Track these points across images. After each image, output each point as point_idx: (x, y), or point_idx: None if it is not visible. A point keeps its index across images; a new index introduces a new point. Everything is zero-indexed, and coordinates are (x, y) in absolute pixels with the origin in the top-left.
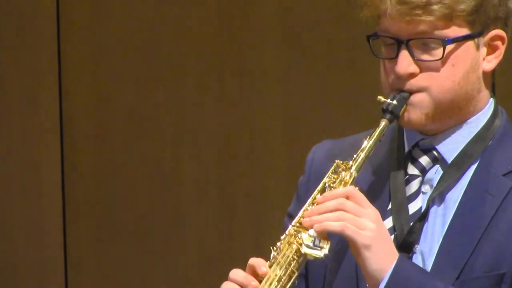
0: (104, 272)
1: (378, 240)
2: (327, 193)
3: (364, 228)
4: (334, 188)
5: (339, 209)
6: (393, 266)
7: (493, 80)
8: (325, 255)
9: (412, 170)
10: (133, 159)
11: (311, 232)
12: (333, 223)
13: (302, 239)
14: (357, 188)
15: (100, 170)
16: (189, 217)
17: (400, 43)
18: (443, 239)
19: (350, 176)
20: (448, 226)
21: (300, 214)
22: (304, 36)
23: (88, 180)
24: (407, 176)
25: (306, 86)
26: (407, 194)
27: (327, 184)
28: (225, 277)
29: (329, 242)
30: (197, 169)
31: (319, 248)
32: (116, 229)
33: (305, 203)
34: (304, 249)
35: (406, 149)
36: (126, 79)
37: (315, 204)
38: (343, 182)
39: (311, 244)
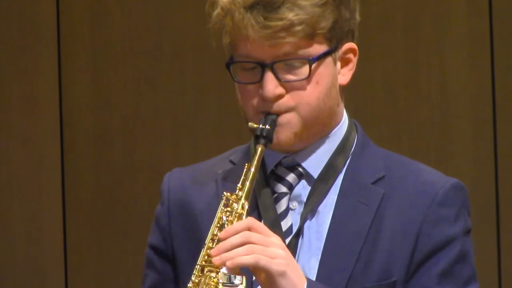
0: (104, 272)
1: (290, 265)
2: (229, 228)
3: (276, 256)
4: (231, 221)
5: (246, 242)
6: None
7: (493, 80)
8: None
9: (279, 188)
10: (133, 159)
11: (224, 269)
12: (245, 257)
13: (217, 277)
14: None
15: (100, 170)
16: None
17: (264, 66)
18: (323, 252)
19: (242, 207)
20: (326, 239)
21: (203, 252)
22: None
23: (88, 180)
24: (276, 195)
25: None
26: (278, 212)
27: (224, 218)
28: None
29: (244, 276)
30: None
31: (236, 285)
32: (116, 229)
33: (173, 235)
34: None
35: (269, 168)
36: (126, 79)
37: (215, 241)
38: (237, 214)
39: (228, 282)
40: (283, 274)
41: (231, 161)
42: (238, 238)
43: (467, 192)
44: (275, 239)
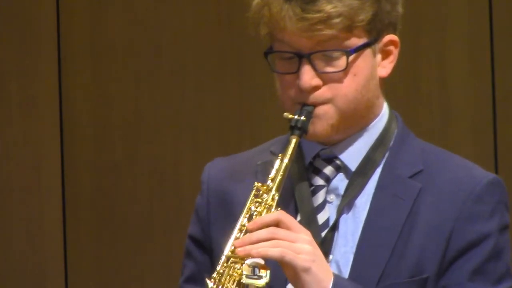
0: (104, 272)
1: (315, 262)
2: (257, 220)
3: (301, 252)
4: (260, 212)
5: (272, 238)
6: (330, 286)
7: (493, 80)
8: (266, 283)
9: (316, 180)
10: (133, 159)
11: (249, 261)
12: (272, 249)
13: (242, 269)
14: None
15: (100, 170)
16: (189, 217)
17: (301, 57)
18: (357, 247)
19: (272, 199)
20: (361, 234)
21: (230, 242)
22: None
23: (88, 180)
24: (313, 187)
25: None
26: (315, 205)
27: (252, 209)
28: None
29: (269, 270)
30: (197, 169)
31: (260, 277)
32: (116, 229)
33: (211, 226)
34: (245, 280)
35: (307, 160)
36: (126, 79)
37: (243, 232)
38: (267, 206)
39: (251, 274)
40: (307, 270)
41: (272, 152)
42: (264, 232)
43: (505, 187)
44: (303, 234)
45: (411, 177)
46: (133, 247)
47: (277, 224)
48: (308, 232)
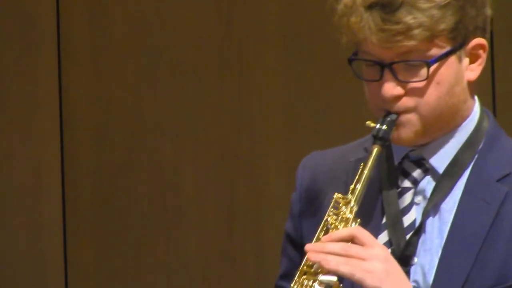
0: (104, 272)
1: (388, 280)
2: (332, 234)
3: (371, 270)
4: (336, 226)
5: (344, 254)
6: None
7: (493, 80)
8: None
9: (404, 182)
10: (133, 159)
11: (322, 278)
12: (343, 266)
13: (313, 286)
14: (358, 223)
15: (100, 170)
16: (189, 217)
17: (383, 66)
18: (443, 251)
19: (351, 212)
20: (446, 238)
21: (305, 259)
22: (304, 36)
23: (88, 180)
24: (400, 189)
25: (306, 86)
26: (401, 207)
27: (328, 220)
28: (225, 277)
29: None
30: (197, 169)
31: None
32: (116, 229)
33: (303, 222)
34: None
35: (396, 161)
36: (126, 79)
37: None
38: (344, 218)
39: None
40: None
41: (365, 149)
42: (337, 247)
43: None
44: (378, 250)
45: (498, 180)
46: (133, 247)
47: (352, 239)
48: (384, 247)
